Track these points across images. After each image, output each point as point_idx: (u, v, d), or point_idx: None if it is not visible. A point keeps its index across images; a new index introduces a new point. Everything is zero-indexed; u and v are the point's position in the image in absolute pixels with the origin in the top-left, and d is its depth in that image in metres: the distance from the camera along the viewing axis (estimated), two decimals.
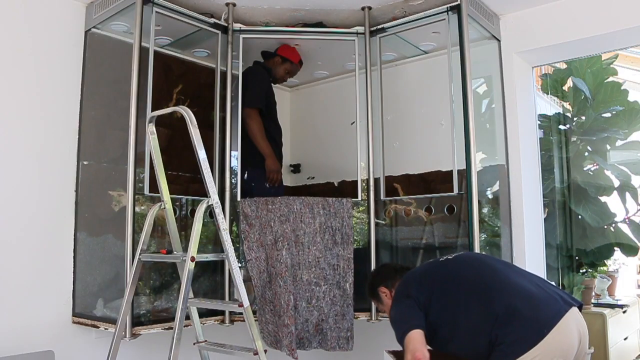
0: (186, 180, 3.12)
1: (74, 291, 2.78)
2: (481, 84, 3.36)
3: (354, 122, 3.20)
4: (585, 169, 4.16)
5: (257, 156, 3.16)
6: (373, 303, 2.61)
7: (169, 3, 2.82)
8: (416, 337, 2.00)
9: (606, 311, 4.12)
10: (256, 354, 2.22)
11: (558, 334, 1.84)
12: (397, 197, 3.28)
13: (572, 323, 1.89)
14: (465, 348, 2.03)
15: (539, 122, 3.67)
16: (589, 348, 4.00)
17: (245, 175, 3.14)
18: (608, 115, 4.12)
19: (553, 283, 2.11)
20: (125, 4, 2.73)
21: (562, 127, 4.24)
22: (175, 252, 2.43)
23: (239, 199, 2.95)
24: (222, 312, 2.85)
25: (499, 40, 3.19)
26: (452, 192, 2.87)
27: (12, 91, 2.66)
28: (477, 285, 2.03)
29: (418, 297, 2.10)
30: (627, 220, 3.99)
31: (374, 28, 3.17)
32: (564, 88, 4.27)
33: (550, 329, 1.83)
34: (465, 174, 2.75)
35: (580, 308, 1.99)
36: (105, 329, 2.57)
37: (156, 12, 2.75)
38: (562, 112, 4.30)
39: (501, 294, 1.97)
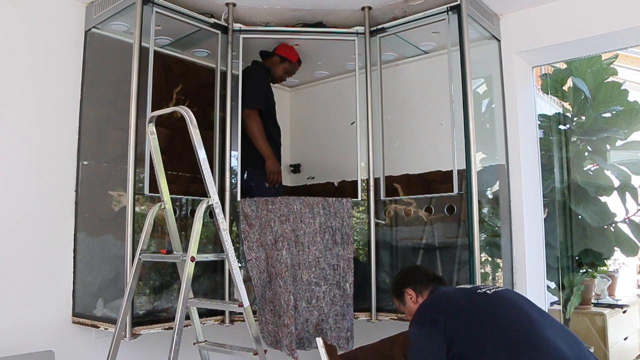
0: (186, 180, 3.12)
1: (74, 291, 2.78)
2: (481, 84, 3.36)
3: (354, 122, 3.20)
4: (585, 169, 4.16)
5: (256, 156, 3.16)
6: (395, 302, 2.47)
7: (169, 3, 2.82)
8: None
9: (606, 311, 4.13)
10: (256, 354, 2.22)
11: None
12: (397, 197, 3.28)
13: None
14: None
15: (539, 122, 3.67)
16: (589, 348, 4.00)
17: (245, 175, 3.14)
18: (608, 115, 4.12)
19: (585, 346, 1.93)
20: (125, 4, 2.72)
21: (562, 127, 4.24)
22: (175, 252, 2.43)
23: (239, 199, 2.95)
24: (222, 312, 2.85)
25: (499, 40, 3.19)
26: (452, 192, 2.87)
27: (12, 91, 2.66)
28: (511, 337, 1.86)
29: (445, 327, 1.93)
30: (627, 220, 3.99)
31: (374, 28, 3.17)
32: (564, 88, 4.27)
33: None
34: (465, 174, 2.75)
35: None
36: (105, 329, 2.57)
37: (156, 12, 2.75)
38: (562, 112, 4.31)
39: (536, 352, 1.79)
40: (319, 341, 2.46)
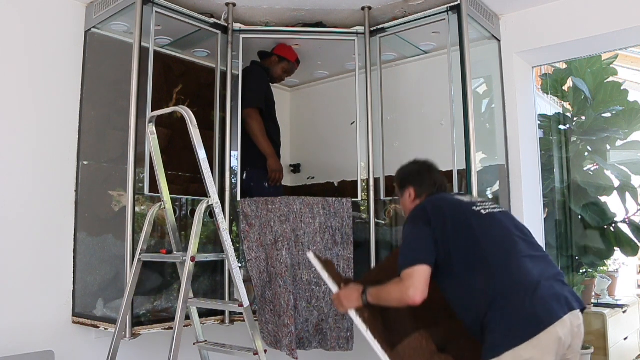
0: (186, 180, 3.12)
1: (74, 291, 2.78)
2: (481, 84, 3.36)
3: (354, 122, 3.20)
4: (585, 169, 4.17)
5: (256, 156, 3.16)
6: (395, 188, 2.38)
7: (169, 3, 2.82)
8: (420, 274, 1.86)
9: (606, 311, 4.13)
10: (256, 354, 2.22)
11: (550, 335, 1.73)
12: (397, 197, 3.28)
13: (567, 327, 1.77)
14: (460, 309, 1.96)
15: (539, 122, 3.67)
16: (589, 348, 4.01)
17: (244, 175, 3.14)
18: (608, 115, 4.13)
19: (563, 277, 1.95)
20: (125, 4, 2.73)
21: (562, 127, 4.25)
22: (175, 252, 2.44)
23: (239, 199, 2.95)
24: (222, 312, 2.85)
25: (499, 40, 3.19)
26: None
27: (12, 91, 2.66)
28: (490, 261, 1.88)
29: (435, 232, 1.94)
30: (627, 220, 4.00)
31: (374, 28, 3.17)
32: (564, 88, 4.28)
33: (544, 328, 1.72)
34: (465, 174, 2.75)
35: (583, 310, 1.88)
36: (105, 329, 2.57)
37: (156, 12, 2.75)
38: (562, 112, 4.31)
39: (507, 275, 1.84)
40: (310, 255, 2.32)
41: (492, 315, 1.80)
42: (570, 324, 1.77)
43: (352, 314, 2.08)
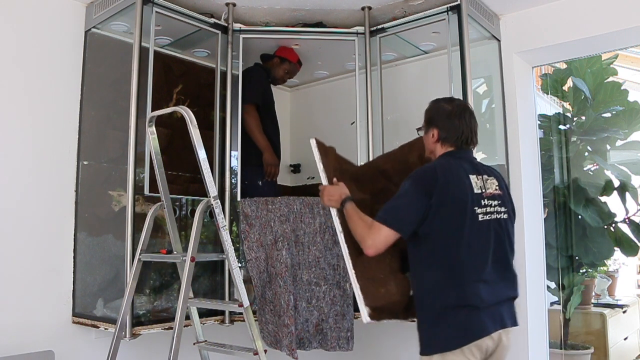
0: (186, 180, 3.12)
1: (74, 291, 2.78)
2: (481, 84, 3.36)
3: (354, 122, 3.20)
4: (585, 169, 4.17)
5: (250, 154, 3.15)
6: (422, 124, 2.26)
7: (169, 3, 2.82)
8: (386, 236, 1.97)
9: (606, 311, 4.13)
10: (256, 354, 2.22)
11: (477, 347, 1.92)
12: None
13: (494, 340, 1.95)
14: (414, 281, 2.10)
15: (539, 122, 3.67)
16: (589, 348, 4.01)
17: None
18: (608, 115, 4.13)
19: (514, 296, 2.10)
20: (125, 4, 2.72)
21: (562, 127, 4.25)
22: (175, 252, 2.44)
23: (239, 199, 2.95)
24: (222, 312, 2.85)
25: (499, 40, 3.19)
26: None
27: (12, 91, 2.66)
28: (462, 269, 1.97)
29: (430, 208, 1.95)
30: (627, 220, 4.00)
31: (374, 28, 3.17)
32: (564, 88, 4.28)
33: (474, 340, 1.91)
34: None
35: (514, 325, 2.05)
36: (105, 329, 2.57)
37: (156, 12, 2.75)
38: (562, 112, 4.31)
39: (463, 289, 1.95)
40: (312, 142, 2.31)
41: (436, 317, 1.96)
42: (498, 338, 1.96)
43: (333, 212, 2.21)
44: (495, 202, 2.07)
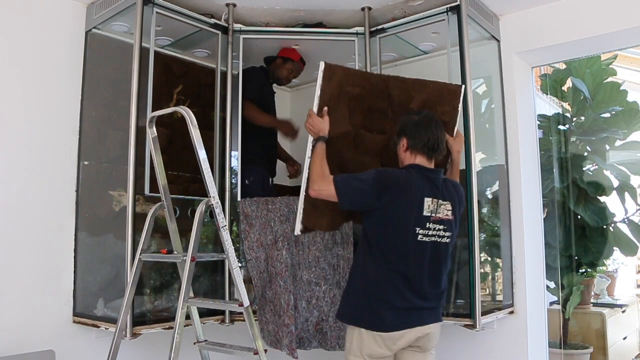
0: (186, 180, 3.12)
1: (74, 291, 2.78)
2: (481, 84, 3.37)
3: None
4: (584, 169, 4.17)
5: (244, 154, 3.15)
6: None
7: (169, 3, 2.82)
8: (328, 194, 2.20)
9: (605, 311, 4.14)
10: (256, 353, 2.22)
11: (389, 337, 2.17)
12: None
13: (410, 335, 2.20)
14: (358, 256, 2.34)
15: (538, 122, 3.68)
16: (588, 347, 4.01)
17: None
18: (607, 115, 4.13)
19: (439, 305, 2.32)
20: (125, 4, 2.73)
21: (561, 127, 4.25)
22: (175, 252, 2.44)
23: (239, 199, 2.96)
24: (222, 312, 2.85)
25: (498, 41, 3.20)
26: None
27: (12, 91, 2.67)
28: (400, 280, 2.17)
29: (381, 202, 2.15)
30: (626, 220, 4.00)
31: (374, 28, 3.17)
32: (563, 88, 4.28)
33: (386, 331, 2.16)
34: (465, 174, 2.75)
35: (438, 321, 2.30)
36: (106, 328, 2.58)
37: (156, 12, 2.76)
38: (561, 113, 4.31)
39: (397, 288, 2.17)
40: (322, 65, 2.40)
41: (365, 299, 2.20)
42: (414, 333, 2.20)
43: (310, 139, 2.47)
44: (441, 227, 2.23)
